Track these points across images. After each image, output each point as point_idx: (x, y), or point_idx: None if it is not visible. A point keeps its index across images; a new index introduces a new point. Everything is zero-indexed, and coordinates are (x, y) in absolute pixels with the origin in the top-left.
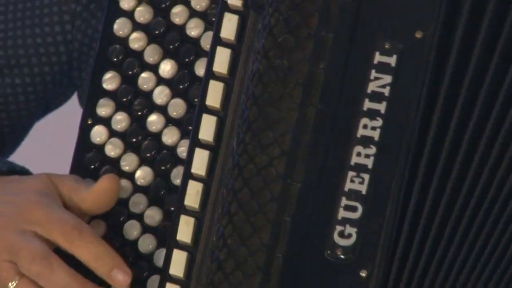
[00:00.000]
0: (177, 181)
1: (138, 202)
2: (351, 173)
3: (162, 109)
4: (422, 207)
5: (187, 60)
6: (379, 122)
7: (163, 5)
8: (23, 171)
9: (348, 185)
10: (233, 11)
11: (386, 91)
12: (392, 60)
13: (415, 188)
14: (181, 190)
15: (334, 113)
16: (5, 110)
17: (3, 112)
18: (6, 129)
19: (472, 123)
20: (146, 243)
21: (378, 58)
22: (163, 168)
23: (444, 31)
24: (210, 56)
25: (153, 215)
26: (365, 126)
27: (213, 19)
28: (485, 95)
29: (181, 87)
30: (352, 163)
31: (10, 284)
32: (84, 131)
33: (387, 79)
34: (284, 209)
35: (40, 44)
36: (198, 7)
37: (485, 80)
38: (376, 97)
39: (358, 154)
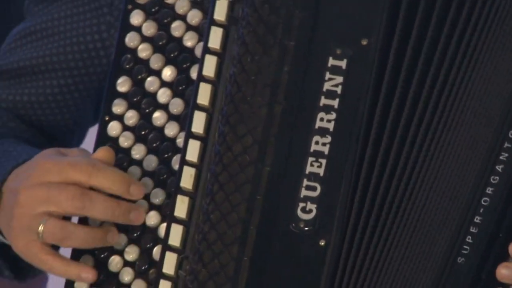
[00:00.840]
0: (177, 167)
1: (145, 185)
2: (311, 159)
3: (165, 107)
4: (368, 186)
5: (184, 66)
6: (333, 116)
7: (165, 21)
8: None
9: (309, 169)
10: (218, 25)
11: (339, 89)
12: (343, 64)
13: (363, 170)
14: (178, 174)
15: (296, 108)
16: (62, 106)
17: (57, 109)
18: (63, 128)
19: (405, 114)
20: (152, 219)
21: (331, 62)
22: (165, 156)
23: (385, 38)
24: (201, 62)
25: (158, 195)
26: (321, 119)
27: None
28: (414, 90)
29: (180, 88)
30: (311, 150)
31: (39, 227)
32: (102, 126)
33: (339, 79)
34: (257, 189)
35: (84, 50)
36: (193, 22)
37: (414, 77)
38: (330, 94)
39: (316, 143)
